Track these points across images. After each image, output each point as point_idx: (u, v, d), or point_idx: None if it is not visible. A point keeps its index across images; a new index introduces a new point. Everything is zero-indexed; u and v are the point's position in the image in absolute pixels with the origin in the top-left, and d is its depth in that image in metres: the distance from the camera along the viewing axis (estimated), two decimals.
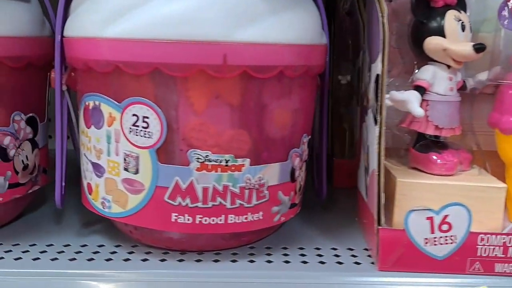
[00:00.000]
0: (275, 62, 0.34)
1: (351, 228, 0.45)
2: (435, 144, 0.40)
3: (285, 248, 0.41)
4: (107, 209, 0.38)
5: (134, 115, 0.34)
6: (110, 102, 0.35)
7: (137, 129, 0.35)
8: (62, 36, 0.38)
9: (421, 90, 0.38)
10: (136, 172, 0.36)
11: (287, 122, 0.38)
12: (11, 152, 0.40)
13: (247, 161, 0.36)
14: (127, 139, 0.35)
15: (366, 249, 0.41)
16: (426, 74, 0.39)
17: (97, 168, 0.37)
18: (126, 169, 0.36)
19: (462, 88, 0.40)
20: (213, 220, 0.36)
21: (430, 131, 0.39)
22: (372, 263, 0.39)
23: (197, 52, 0.32)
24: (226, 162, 0.35)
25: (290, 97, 0.37)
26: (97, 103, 0.36)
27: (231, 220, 0.37)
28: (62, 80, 0.39)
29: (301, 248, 0.41)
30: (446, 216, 0.36)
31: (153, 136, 0.34)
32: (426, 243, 0.36)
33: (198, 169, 0.35)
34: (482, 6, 0.40)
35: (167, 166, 0.35)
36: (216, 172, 0.35)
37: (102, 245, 0.41)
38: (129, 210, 0.37)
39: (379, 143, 0.36)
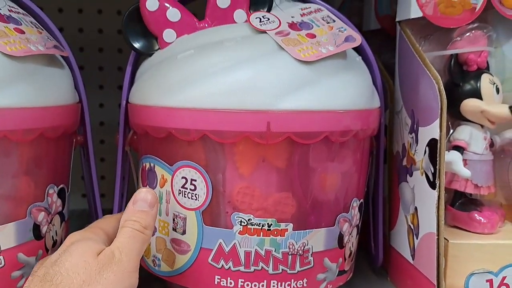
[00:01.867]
0: (319, 128, 0.35)
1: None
2: (473, 202, 0.41)
3: None
4: (157, 267, 0.39)
5: (183, 177, 0.36)
6: (163, 164, 0.37)
7: (185, 191, 0.36)
8: (127, 102, 0.41)
9: (461, 150, 0.40)
10: (184, 232, 0.37)
11: (334, 186, 0.38)
12: (44, 229, 0.37)
13: (290, 226, 0.36)
14: (177, 200, 0.37)
15: None
16: (463, 134, 0.40)
17: None
18: (174, 229, 0.37)
19: (490, 146, 0.41)
20: (255, 285, 0.36)
21: (470, 190, 0.40)
22: None
23: (242, 121, 0.34)
24: (269, 226, 0.36)
25: (337, 161, 0.37)
26: (152, 164, 0.38)
27: (273, 286, 0.37)
28: (125, 141, 0.42)
29: None
30: (504, 278, 0.37)
31: (199, 199, 0.36)
32: None
33: (240, 232, 0.36)
34: (501, 67, 0.42)
35: (211, 228, 0.36)
36: (258, 236, 0.36)
37: None
38: (176, 269, 0.38)
39: (438, 207, 0.37)
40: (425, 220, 0.39)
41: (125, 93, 0.41)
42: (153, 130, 0.37)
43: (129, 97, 0.41)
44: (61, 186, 0.39)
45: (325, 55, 0.35)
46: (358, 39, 0.37)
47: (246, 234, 0.36)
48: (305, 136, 0.35)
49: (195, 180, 0.36)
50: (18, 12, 0.38)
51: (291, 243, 0.36)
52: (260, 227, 0.36)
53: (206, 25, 0.39)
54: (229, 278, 0.36)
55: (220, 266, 0.36)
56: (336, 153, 0.37)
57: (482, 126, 0.40)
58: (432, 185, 0.37)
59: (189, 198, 0.36)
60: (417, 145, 0.40)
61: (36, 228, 0.36)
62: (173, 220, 0.37)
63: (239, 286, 0.36)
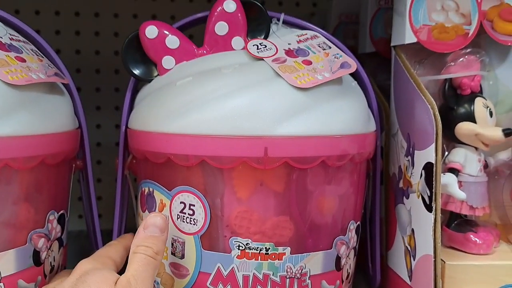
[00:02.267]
0: (316, 153, 0.36)
1: None
2: (468, 222, 0.42)
3: None
4: None
5: (182, 202, 0.37)
6: (162, 189, 0.38)
7: (184, 216, 0.37)
8: (127, 127, 0.42)
9: (456, 172, 0.41)
10: (182, 257, 0.37)
11: (331, 209, 0.38)
12: (43, 255, 0.37)
13: (288, 250, 0.36)
14: (175, 225, 0.37)
15: None
16: (458, 156, 0.41)
17: None
18: (173, 254, 0.38)
19: (484, 167, 0.42)
20: None
21: (466, 211, 0.41)
22: None
23: (240, 146, 0.35)
24: (267, 250, 0.36)
25: (334, 184, 0.38)
26: (151, 189, 0.39)
27: None
28: (125, 165, 0.43)
29: None
30: None
31: (197, 223, 0.36)
32: None
33: (238, 257, 0.36)
34: (495, 90, 0.43)
35: (210, 252, 0.36)
36: (256, 260, 0.36)
37: None
38: None
39: (435, 230, 0.37)
40: (422, 242, 0.39)
41: (124, 118, 0.42)
42: (152, 155, 0.37)
43: (128, 122, 0.42)
44: (61, 212, 0.39)
45: (321, 81, 0.36)
46: (354, 66, 0.38)
47: (244, 258, 0.36)
48: (302, 161, 0.35)
49: (194, 205, 0.36)
50: (19, 40, 0.38)
51: (289, 266, 0.37)
52: (258, 251, 0.36)
53: (205, 51, 0.40)
54: None
55: None
56: (333, 177, 0.37)
57: (476, 148, 0.41)
58: (429, 208, 0.38)
59: (187, 223, 0.37)
60: (413, 168, 0.40)
61: (36, 254, 0.37)
62: (172, 244, 0.38)
63: None
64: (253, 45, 0.38)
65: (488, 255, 0.40)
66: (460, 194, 0.39)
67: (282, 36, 0.40)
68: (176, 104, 0.36)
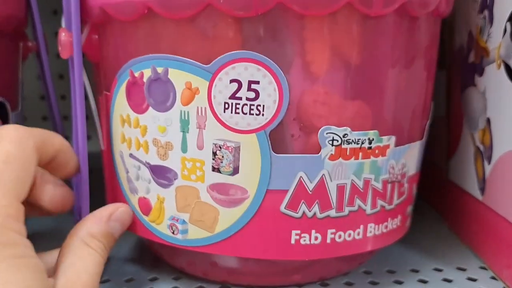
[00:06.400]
0: None
1: (439, 239, 0.34)
2: None
3: (391, 272, 0.29)
4: (181, 234, 0.25)
5: (234, 81, 0.22)
6: (190, 65, 0.22)
7: (238, 104, 0.22)
8: None
9: None
10: (235, 171, 0.23)
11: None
12: None
13: (393, 140, 0.25)
14: (220, 120, 0.23)
15: (483, 268, 0.30)
16: None
17: (162, 174, 0.24)
18: (217, 169, 0.23)
19: None
20: (349, 235, 0.24)
21: None
22: None
23: None
24: (370, 143, 0.24)
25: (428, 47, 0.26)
26: (160, 70, 0.23)
27: (370, 232, 0.25)
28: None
29: (415, 271, 0.29)
30: None
31: (265, 111, 0.22)
32: None
33: (332, 157, 0.23)
34: None
35: (285, 156, 0.23)
36: (356, 159, 0.24)
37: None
38: (219, 233, 0.24)
39: None
40: (505, 133, 0.28)
41: None
42: (175, 4, 0.22)
43: None
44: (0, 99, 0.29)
45: None
46: None
47: (340, 159, 0.23)
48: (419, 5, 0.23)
49: (257, 83, 0.22)
50: None
51: (391, 165, 0.25)
52: (359, 145, 0.24)
53: None
54: (313, 232, 0.24)
55: (300, 214, 0.24)
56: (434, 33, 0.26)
57: None
58: None
59: (244, 113, 0.22)
60: (491, 26, 0.30)
61: None
62: (214, 154, 0.23)
63: (329, 240, 0.24)
64: None
65: None
66: None
67: None
68: None
